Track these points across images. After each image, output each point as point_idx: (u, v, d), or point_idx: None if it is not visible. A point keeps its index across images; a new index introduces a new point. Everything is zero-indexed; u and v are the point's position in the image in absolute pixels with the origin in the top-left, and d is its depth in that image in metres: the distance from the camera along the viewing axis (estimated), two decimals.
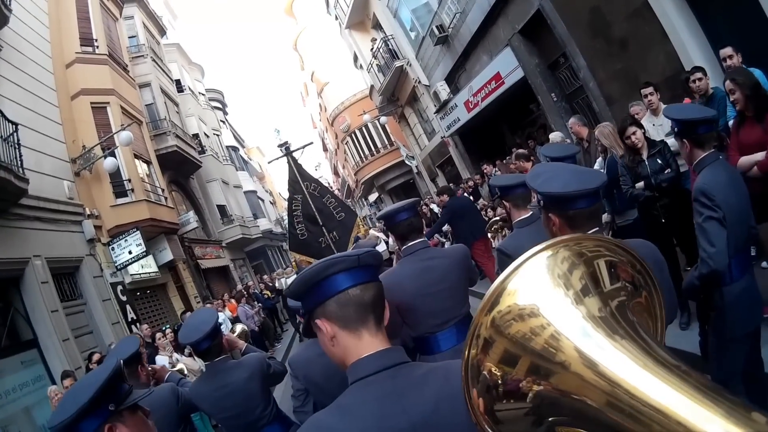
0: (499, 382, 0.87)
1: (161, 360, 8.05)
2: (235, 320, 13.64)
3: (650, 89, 6.05)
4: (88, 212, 12.89)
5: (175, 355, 8.48)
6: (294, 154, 9.05)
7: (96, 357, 8.42)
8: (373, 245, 5.23)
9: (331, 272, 1.35)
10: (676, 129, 2.99)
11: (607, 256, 0.91)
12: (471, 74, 15.75)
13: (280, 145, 10.12)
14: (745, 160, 3.94)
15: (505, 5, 12.13)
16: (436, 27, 15.90)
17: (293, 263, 16.27)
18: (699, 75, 5.52)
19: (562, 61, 11.59)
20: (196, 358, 8.61)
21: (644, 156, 4.93)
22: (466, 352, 0.91)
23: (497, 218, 9.37)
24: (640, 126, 5.03)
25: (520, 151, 8.65)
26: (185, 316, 11.03)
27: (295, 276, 1.47)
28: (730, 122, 4.73)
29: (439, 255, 3.33)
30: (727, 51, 5.30)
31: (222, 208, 27.02)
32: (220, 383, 3.29)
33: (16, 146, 9.99)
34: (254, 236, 30.13)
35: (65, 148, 13.19)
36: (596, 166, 6.16)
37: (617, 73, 9.31)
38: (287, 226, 8.75)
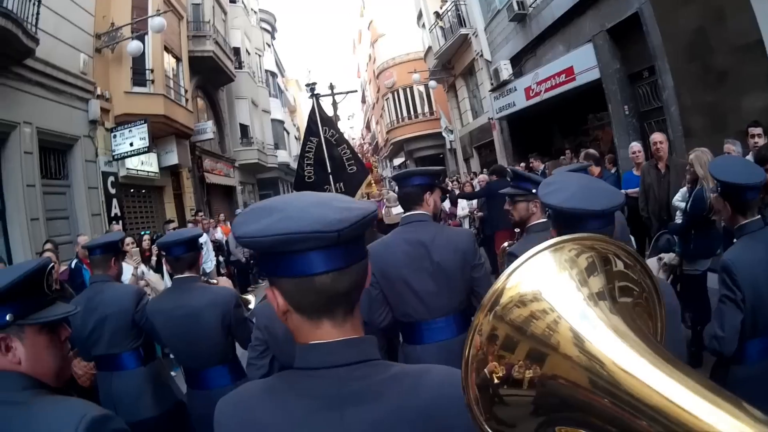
0: (494, 375, 0.80)
1: (125, 268, 7.08)
2: (224, 244, 13.03)
3: (759, 130, 5.45)
4: (98, 92, 11.93)
5: (142, 267, 7.53)
6: (336, 98, 9.05)
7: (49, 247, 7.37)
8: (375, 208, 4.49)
9: (295, 248, 0.92)
10: (719, 188, 2.76)
11: (614, 256, 0.85)
12: (540, 61, 14.58)
13: (308, 84, 10.35)
14: None
15: None
16: (517, 2, 14.63)
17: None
18: (758, 131, 5.11)
19: (645, 75, 10.48)
20: (165, 275, 7.77)
21: None
22: (466, 352, 0.81)
23: (506, 245, 8.36)
24: None
25: (590, 151, 7.72)
26: (168, 226, 10.30)
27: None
28: None
29: (440, 231, 2.98)
30: None
31: (244, 128, 26.21)
32: (180, 302, 3.12)
33: (36, 2, 8.97)
34: (270, 165, 29.42)
35: (92, 21, 12.16)
36: (678, 198, 5.39)
37: (705, 106, 8.33)
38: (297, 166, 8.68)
